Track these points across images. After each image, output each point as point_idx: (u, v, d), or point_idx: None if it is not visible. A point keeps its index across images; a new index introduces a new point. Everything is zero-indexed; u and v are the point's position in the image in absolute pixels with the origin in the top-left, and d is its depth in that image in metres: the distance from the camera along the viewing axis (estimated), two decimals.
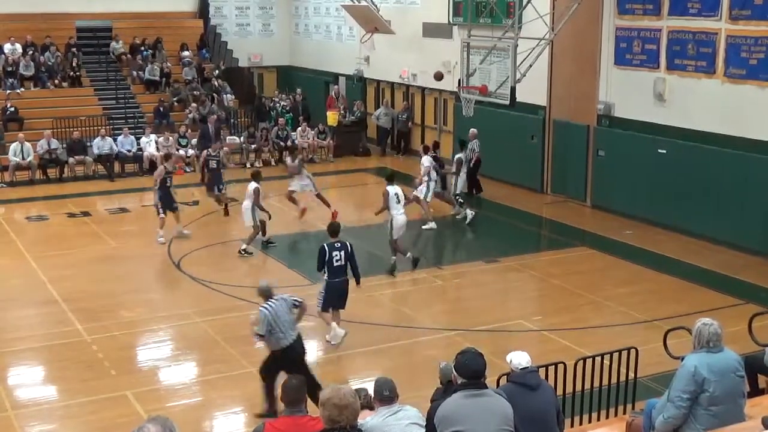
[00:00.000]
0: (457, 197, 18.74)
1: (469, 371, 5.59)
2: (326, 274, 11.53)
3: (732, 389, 6.42)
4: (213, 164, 18.79)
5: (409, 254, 14.98)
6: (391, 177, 15.33)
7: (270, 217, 16.41)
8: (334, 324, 11.63)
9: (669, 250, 16.00)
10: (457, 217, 18.57)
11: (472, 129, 19.98)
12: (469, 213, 18.35)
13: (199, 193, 20.29)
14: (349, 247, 11.64)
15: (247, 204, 15.89)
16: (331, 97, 27.05)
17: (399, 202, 14.87)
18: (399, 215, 14.84)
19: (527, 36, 17.77)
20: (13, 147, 21.79)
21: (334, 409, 5.00)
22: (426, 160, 18.00)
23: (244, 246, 15.90)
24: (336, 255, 11.44)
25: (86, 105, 25.41)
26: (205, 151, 19.81)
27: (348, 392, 5.09)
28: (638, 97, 17.81)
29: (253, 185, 15.91)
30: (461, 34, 20.16)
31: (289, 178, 18.78)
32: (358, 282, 12.06)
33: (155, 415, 4.33)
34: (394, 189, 14.89)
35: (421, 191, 17.91)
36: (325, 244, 11.56)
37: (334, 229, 11.80)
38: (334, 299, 11.68)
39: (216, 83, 27.05)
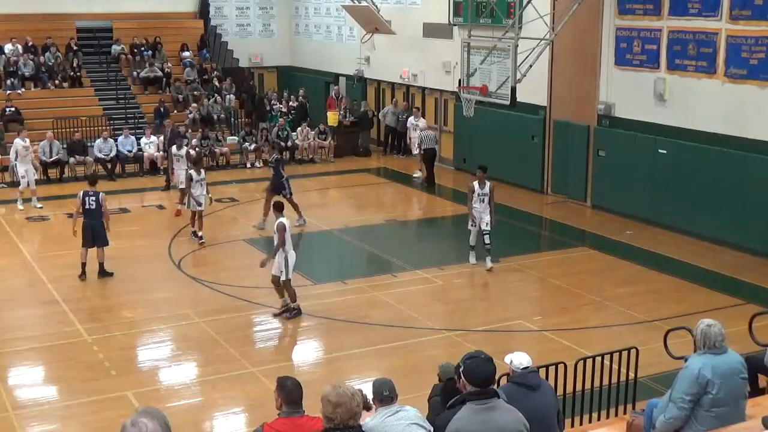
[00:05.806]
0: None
1: (478, 379, 5.35)
2: None
3: (735, 391, 6.40)
4: (92, 203, 14.38)
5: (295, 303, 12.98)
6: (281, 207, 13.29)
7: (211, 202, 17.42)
8: None
9: (669, 251, 15.99)
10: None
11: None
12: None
13: None
14: None
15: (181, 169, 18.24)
16: (332, 97, 27.05)
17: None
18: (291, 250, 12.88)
19: (528, 36, 17.76)
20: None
21: (328, 405, 5.01)
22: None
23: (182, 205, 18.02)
24: None
25: (87, 105, 25.41)
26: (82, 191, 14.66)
27: (345, 391, 5.06)
28: (639, 97, 17.80)
29: (184, 149, 18.93)
30: (461, 34, 20.14)
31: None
32: None
33: (146, 407, 3.76)
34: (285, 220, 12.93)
35: None
36: None
37: None
38: None
39: (217, 84, 27.01)
